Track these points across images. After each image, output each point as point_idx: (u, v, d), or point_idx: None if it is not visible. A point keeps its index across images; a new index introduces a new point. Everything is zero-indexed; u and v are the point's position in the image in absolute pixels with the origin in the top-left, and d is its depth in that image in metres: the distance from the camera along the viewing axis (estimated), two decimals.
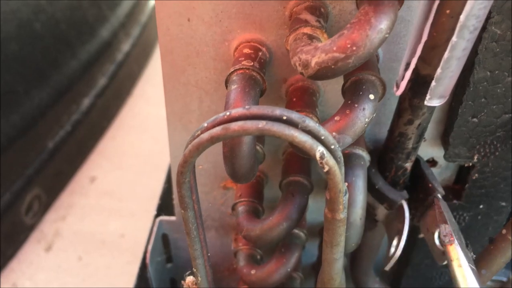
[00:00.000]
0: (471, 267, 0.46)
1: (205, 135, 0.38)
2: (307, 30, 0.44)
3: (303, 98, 0.52)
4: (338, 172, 0.39)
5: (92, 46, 1.44)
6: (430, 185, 0.53)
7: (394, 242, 0.55)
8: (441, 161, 0.61)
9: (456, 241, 0.48)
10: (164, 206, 0.77)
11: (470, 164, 0.58)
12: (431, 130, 0.58)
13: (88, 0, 1.45)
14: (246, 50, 0.50)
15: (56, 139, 1.29)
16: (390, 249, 0.57)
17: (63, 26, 1.33)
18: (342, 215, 0.42)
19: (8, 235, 1.14)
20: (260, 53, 0.50)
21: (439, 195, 0.53)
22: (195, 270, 0.50)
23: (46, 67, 1.26)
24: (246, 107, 0.38)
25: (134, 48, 1.68)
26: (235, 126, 0.37)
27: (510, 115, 0.52)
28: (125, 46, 1.64)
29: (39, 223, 1.26)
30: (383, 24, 0.38)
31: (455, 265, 0.46)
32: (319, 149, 0.37)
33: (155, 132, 1.54)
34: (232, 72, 0.47)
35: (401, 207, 0.54)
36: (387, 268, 0.55)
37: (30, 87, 1.19)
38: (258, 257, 0.66)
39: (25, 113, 1.18)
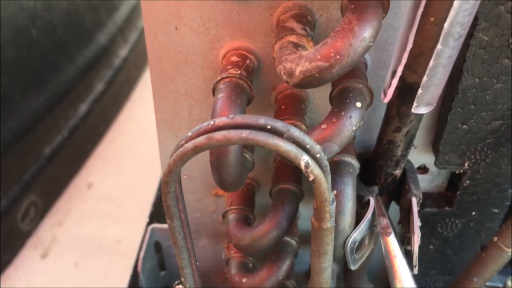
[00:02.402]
0: (404, 258, 0.50)
1: (189, 145, 0.38)
2: (292, 38, 0.44)
3: (292, 106, 0.52)
4: (323, 181, 0.38)
5: (89, 51, 1.45)
6: (406, 186, 0.53)
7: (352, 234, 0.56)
8: (432, 168, 0.61)
9: (393, 233, 0.51)
10: (157, 214, 0.77)
11: (461, 171, 0.57)
12: (421, 137, 0.58)
13: (85, 6, 1.45)
14: (234, 58, 0.50)
15: (53, 144, 1.29)
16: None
17: (60, 31, 1.34)
18: (328, 224, 0.42)
19: (4, 242, 1.14)
20: (247, 61, 0.50)
21: (414, 198, 0.53)
22: (183, 279, 0.50)
23: (43, 72, 1.26)
24: (230, 116, 0.37)
25: (132, 53, 1.68)
26: (219, 135, 0.37)
27: (500, 121, 0.52)
28: (123, 51, 1.64)
29: (35, 229, 1.25)
30: (366, 33, 0.37)
31: (391, 255, 0.50)
32: (304, 158, 0.37)
33: (153, 136, 1.52)
34: (219, 81, 0.47)
35: (369, 202, 0.54)
36: (350, 266, 0.55)
37: (27, 92, 1.20)
38: (250, 265, 0.65)
39: (22, 118, 1.18)
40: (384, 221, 0.52)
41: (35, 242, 1.23)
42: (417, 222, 0.53)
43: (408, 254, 0.62)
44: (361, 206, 0.56)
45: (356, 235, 0.52)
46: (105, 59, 1.53)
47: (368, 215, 0.53)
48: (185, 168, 0.63)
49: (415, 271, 0.53)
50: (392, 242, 0.51)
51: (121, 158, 1.48)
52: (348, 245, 0.52)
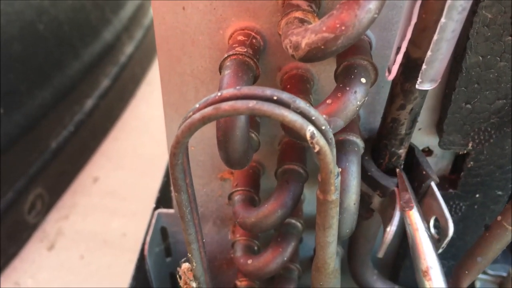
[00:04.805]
0: (426, 232, 0.50)
1: (197, 115, 0.38)
2: (298, 14, 0.44)
3: (297, 85, 0.53)
4: (329, 152, 0.39)
5: (95, 48, 1.46)
6: (424, 172, 0.53)
7: (388, 229, 0.55)
8: (436, 150, 0.61)
9: (415, 208, 0.51)
10: (163, 200, 0.78)
11: (465, 152, 0.58)
12: (425, 118, 0.58)
13: (91, 3, 1.46)
14: (240, 37, 0.51)
15: (59, 139, 1.30)
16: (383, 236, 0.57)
17: (66, 27, 1.35)
18: (334, 196, 0.42)
19: (10, 234, 1.15)
20: (254, 40, 0.51)
21: (433, 182, 0.53)
22: (190, 255, 0.50)
23: (49, 68, 1.28)
24: (237, 87, 0.38)
25: (137, 50, 1.70)
26: (226, 105, 0.37)
27: (504, 101, 0.52)
28: (128, 49, 1.65)
29: (41, 222, 1.27)
30: (371, 4, 0.38)
31: (413, 229, 0.50)
32: (309, 129, 0.37)
33: (158, 133, 1.54)
34: (226, 58, 0.48)
35: (394, 193, 0.54)
36: (380, 255, 0.55)
37: (33, 87, 1.21)
38: (256, 248, 0.66)
39: (28, 112, 1.19)
40: (407, 196, 0.52)
41: (41, 235, 1.24)
42: (445, 206, 0.52)
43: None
44: (384, 196, 0.56)
45: (394, 229, 0.53)
46: (110, 55, 1.54)
47: (398, 205, 0.53)
48: (191, 154, 0.63)
49: (439, 251, 0.53)
50: (415, 216, 0.51)
51: (126, 154, 1.50)
52: (389, 239, 0.53)
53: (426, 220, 0.55)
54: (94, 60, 1.45)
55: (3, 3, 1.14)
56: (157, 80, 0.58)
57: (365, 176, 0.55)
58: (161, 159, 1.35)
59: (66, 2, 1.36)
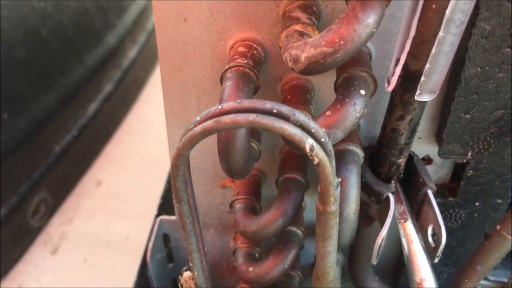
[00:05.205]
0: (421, 244, 0.51)
1: (198, 128, 0.39)
2: (298, 27, 0.45)
3: (298, 95, 0.53)
4: (328, 164, 0.39)
5: (98, 52, 1.47)
6: (420, 180, 0.54)
7: (379, 234, 0.56)
8: (436, 159, 0.62)
9: (409, 220, 0.52)
10: (166, 206, 0.78)
11: (465, 161, 0.58)
12: (425, 128, 0.59)
13: (95, 7, 1.47)
14: (241, 49, 0.51)
15: (63, 143, 1.31)
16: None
17: (70, 32, 1.36)
18: (333, 207, 0.43)
19: (14, 238, 1.16)
20: (254, 51, 0.51)
21: (430, 190, 0.53)
22: (191, 264, 0.51)
23: (53, 72, 1.29)
24: (238, 101, 0.39)
25: (140, 54, 1.71)
26: (227, 119, 0.38)
27: (502, 111, 0.53)
28: (132, 53, 1.66)
29: (45, 226, 1.27)
30: (370, 19, 0.38)
31: (408, 241, 0.51)
32: (309, 141, 0.38)
33: (161, 136, 1.55)
34: (227, 70, 0.49)
35: (388, 199, 0.54)
36: (373, 261, 0.55)
37: (36, 91, 1.21)
38: (257, 255, 0.66)
39: (32, 116, 1.20)
40: (402, 208, 0.53)
41: (44, 239, 1.25)
42: (439, 214, 0.53)
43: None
44: (379, 202, 0.56)
45: (385, 233, 0.53)
46: (114, 59, 1.55)
47: (391, 212, 0.54)
48: (194, 162, 0.64)
49: (436, 260, 0.54)
50: (409, 228, 0.52)
51: (129, 157, 1.51)
52: (379, 243, 0.53)
53: (424, 229, 0.56)
54: (98, 64, 1.46)
55: (7, 8, 1.15)
56: (160, 83, 0.59)
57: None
58: (164, 162, 1.36)
59: (69, 6, 1.37)
